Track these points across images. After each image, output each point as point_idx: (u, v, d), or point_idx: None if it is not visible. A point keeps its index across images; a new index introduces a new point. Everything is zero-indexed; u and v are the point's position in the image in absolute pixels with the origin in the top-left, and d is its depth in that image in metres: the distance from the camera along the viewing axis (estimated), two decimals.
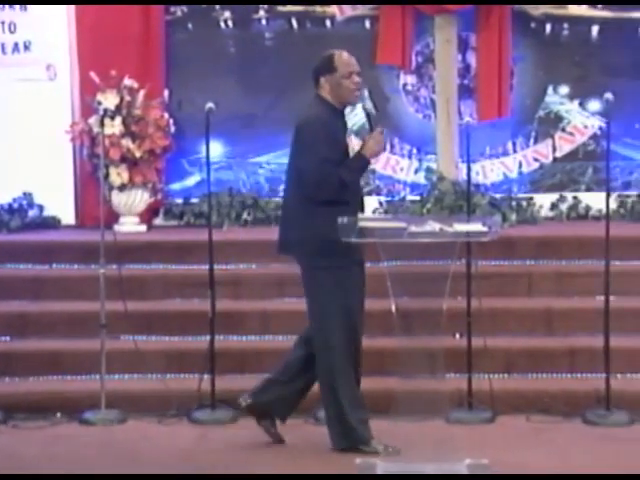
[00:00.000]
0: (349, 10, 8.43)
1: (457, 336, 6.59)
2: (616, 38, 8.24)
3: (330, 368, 5.48)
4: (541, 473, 5.21)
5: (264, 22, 8.46)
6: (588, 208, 8.15)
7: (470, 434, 5.85)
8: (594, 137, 8.33)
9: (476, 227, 5.65)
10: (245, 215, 8.21)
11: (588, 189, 8.26)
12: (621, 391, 6.11)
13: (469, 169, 6.50)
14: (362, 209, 5.66)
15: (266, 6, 8.41)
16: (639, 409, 6.06)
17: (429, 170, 8.39)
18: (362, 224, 5.28)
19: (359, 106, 6.03)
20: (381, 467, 5.03)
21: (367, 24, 8.42)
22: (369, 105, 5.83)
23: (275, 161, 8.38)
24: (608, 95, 6.32)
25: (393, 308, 5.37)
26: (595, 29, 8.30)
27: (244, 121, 8.42)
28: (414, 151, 8.53)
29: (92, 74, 7.96)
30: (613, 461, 5.42)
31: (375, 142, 5.56)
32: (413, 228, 5.36)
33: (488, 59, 8.21)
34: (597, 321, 6.24)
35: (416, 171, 8.52)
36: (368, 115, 5.68)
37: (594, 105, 8.24)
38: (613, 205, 7.93)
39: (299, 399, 5.73)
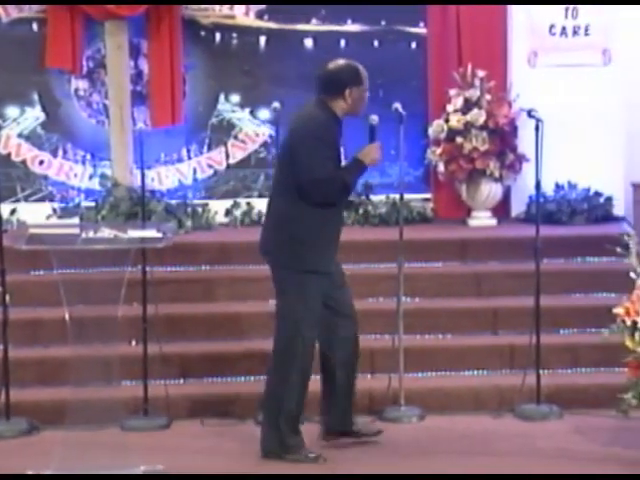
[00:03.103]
0: (15, 11, 8.20)
1: (133, 343, 6.58)
2: (282, 49, 8.46)
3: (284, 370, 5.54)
4: (212, 474, 5.29)
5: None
6: (261, 214, 8.29)
7: (146, 441, 5.85)
8: (265, 145, 8.51)
9: (151, 233, 5.67)
10: None
11: (261, 195, 8.42)
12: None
13: (143, 175, 6.48)
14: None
15: None
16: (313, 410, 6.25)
17: (104, 176, 8.31)
18: (33, 231, 5.17)
19: None
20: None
21: (35, 26, 8.22)
22: (374, 118, 5.83)
23: None
24: (276, 104, 6.51)
25: (67, 316, 5.30)
26: (263, 39, 8.50)
27: None
28: (88, 157, 8.42)
29: None
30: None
31: (375, 151, 5.62)
32: (87, 235, 5.31)
33: (160, 66, 8.23)
34: (271, 324, 6.37)
35: (90, 177, 8.41)
36: (372, 128, 5.75)
37: (264, 114, 8.42)
38: None
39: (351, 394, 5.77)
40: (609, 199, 8.00)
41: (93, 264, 6.54)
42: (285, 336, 5.59)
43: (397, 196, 6.70)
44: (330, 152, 5.51)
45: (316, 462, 5.51)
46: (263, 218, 5.96)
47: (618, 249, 4.56)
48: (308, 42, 8.48)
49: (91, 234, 5.37)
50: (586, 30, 8.06)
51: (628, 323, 4.36)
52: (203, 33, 8.47)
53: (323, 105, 5.57)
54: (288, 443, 5.54)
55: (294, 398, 5.54)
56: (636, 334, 4.33)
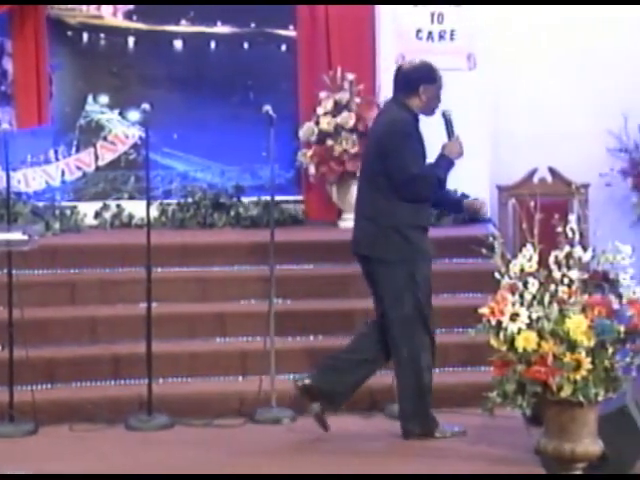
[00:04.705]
0: None
1: None
2: (151, 50, 8.39)
3: (413, 358, 5.76)
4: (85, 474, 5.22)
5: None
6: (131, 216, 8.23)
7: (13, 447, 5.75)
8: (135, 146, 8.42)
9: (16, 236, 5.57)
10: None
11: (131, 197, 8.34)
12: (163, 395, 6.25)
13: (8, 177, 6.35)
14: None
15: None
16: (179, 411, 6.22)
17: None
18: None
19: None
20: None
21: None
22: (449, 112, 5.91)
23: None
24: (145, 105, 6.45)
25: None
26: (131, 40, 8.42)
27: None
28: None
29: None
30: (154, 463, 5.53)
31: (458, 146, 5.83)
32: None
33: (25, 66, 8.08)
34: (140, 327, 6.34)
35: None
36: (447, 121, 5.87)
37: (134, 115, 8.33)
38: (155, 213, 8.08)
39: (357, 388, 5.86)
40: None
41: None
42: (407, 330, 5.79)
43: (268, 198, 6.71)
44: (419, 148, 5.75)
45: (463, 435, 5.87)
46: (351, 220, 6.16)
47: (484, 250, 4.63)
48: (177, 43, 8.43)
49: None
50: (451, 35, 8.20)
51: (493, 323, 4.42)
52: (70, 33, 8.34)
53: (401, 104, 5.79)
54: (432, 424, 5.85)
55: (428, 377, 5.84)
56: (500, 333, 4.40)
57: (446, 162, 5.87)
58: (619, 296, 4.43)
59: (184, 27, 8.43)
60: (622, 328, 4.36)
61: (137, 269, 6.75)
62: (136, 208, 8.12)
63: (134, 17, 8.41)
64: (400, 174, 5.69)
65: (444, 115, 5.94)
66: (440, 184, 5.85)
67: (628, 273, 4.48)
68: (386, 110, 5.97)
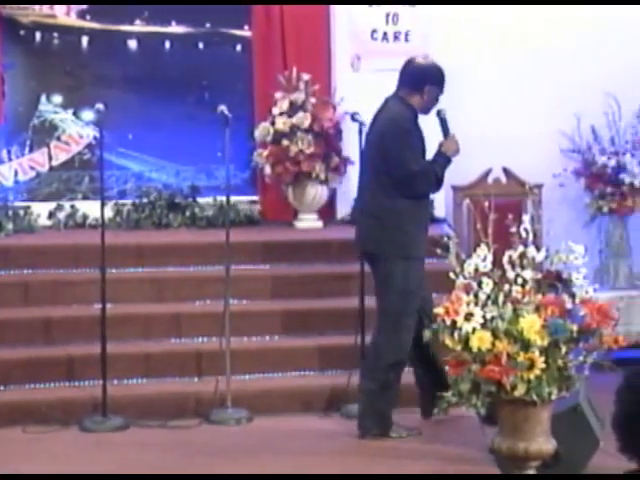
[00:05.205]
0: None
1: None
2: (106, 49, 8.33)
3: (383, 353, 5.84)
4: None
5: None
6: (85, 216, 8.16)
7: None
8: (89, 146, 8.34)
9: None
10: None
11: (85, 197, 8.27)
12: (118, 396, 6.22)
13: None
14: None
15: None
16: (134, 413, 6.19)
17: None
18: None
19: None
20: None
21: None
22: (444, 112, 5.99)
23: None
24: (100, 105, 6.41)
25: None
26: (85, 40, 8.35)
27: None
28: None
29: None
30: (108, 464, 5.51)
31: (455, 143, 5.93)
32: None
33: None
34: (95, 328, 6.31)
35: None
36: (443, 120, 5.97)
37: (88, 115, 8.26)
38: (109, 213, 8.02)
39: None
40: (431, 202, 8.15)
41: None
42: (391, 326, 5.84)
43: (224, 198, 6.69)
44: (419, 145, 5.85)
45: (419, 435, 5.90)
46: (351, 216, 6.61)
47: (438, 250, 4.65)
48: (132, 43, 8.37)
49: None
50: (406, 36, 8.21)
51: (448, 322, 4.44)
52: (23, 32, 8.25)
53: (403, 101, 5.88)
54: (388, 423, 5.88)
55: (393, 376, 5.87)
56: (455, 333, 4.42)
57: (443, 159, 5.96)
58: (572, 296, 4.47)
59: (138, 27, 8.38)
60: (575, 327, 4.39)
61: (91, 270, 6.71)
62: (90, 208, 8.04)
63: (88, 16, 8.34)
64: (400, 170, 5.80)
65: (439, 114, 6.03)
66: (439, 181, 5.96)
67: (581, 273, 4.52)
68: (387, 106, 5.99)
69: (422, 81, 5.91)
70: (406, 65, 6.03)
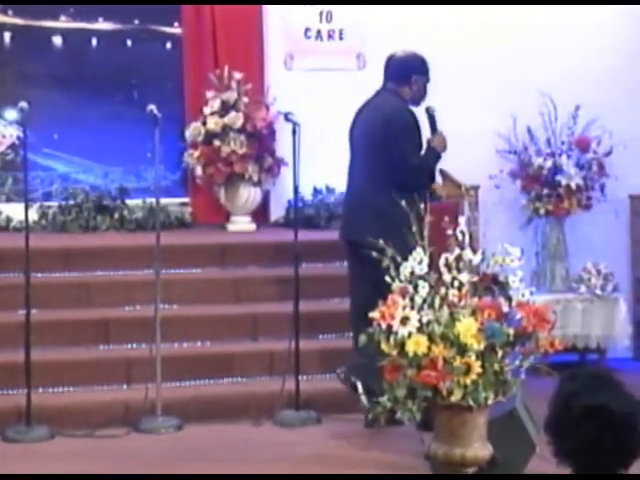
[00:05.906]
0: None
1: None
2: (29, 46, 8.15)
3: None
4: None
5: None
6: (9, 219, 7.95)
7: None
8: (13, 147, 8.15)
9: None
10: None
11: (9, 200, 8.09)
12: (43, 405, 6.04)
13: None
14: None
15: None
16: (60, 422, 6.01)
17: None
18: None
19: None
20: None
21: None
22: (432, 108, 6.07)
23: None
24: (23, 104, 6.24)
25: None
26: (7, 36, 8.16)
27: None
28: None
29: None
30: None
31: (444, 140, 5.99)
32: None
33: None
34: (19, 335, 6.12)
35: None
36: (431, 117, 6.03)
37: (11, 114, 8.06)
38: (34, 216, 7.81)
39: None
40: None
41: None
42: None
43: (154, 200, 6.55)
44: (416, 138, 5.87)
45: None
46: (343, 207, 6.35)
47: (374, 253, 4.55)
48: (57, 40, 8.21)
49: None
50: (340, 34, 8.12)
51: (383, 327, 4.35)
52: None
53: (393, 92, 5.91)
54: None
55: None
56: (391, 338, 4.32)
57: (434, 155, 6.02)
58: (509, 299, 4.43)
59: (64, 23, 8.21)
60: (511, 331, 4.36)
61: (15, 274, 6.53)
62: (14, 211, 7.83)
63: (10, 12, 8.14)
64: (400, 163, 5.81)
65: (428, 111, 6.09)
66: (432, 175, 6.01)
67: (517, 276, 4.47)
68: (380, 99, 5.98)
69: (408, 71, 5.99)
70: (388, 61, 6.10)
